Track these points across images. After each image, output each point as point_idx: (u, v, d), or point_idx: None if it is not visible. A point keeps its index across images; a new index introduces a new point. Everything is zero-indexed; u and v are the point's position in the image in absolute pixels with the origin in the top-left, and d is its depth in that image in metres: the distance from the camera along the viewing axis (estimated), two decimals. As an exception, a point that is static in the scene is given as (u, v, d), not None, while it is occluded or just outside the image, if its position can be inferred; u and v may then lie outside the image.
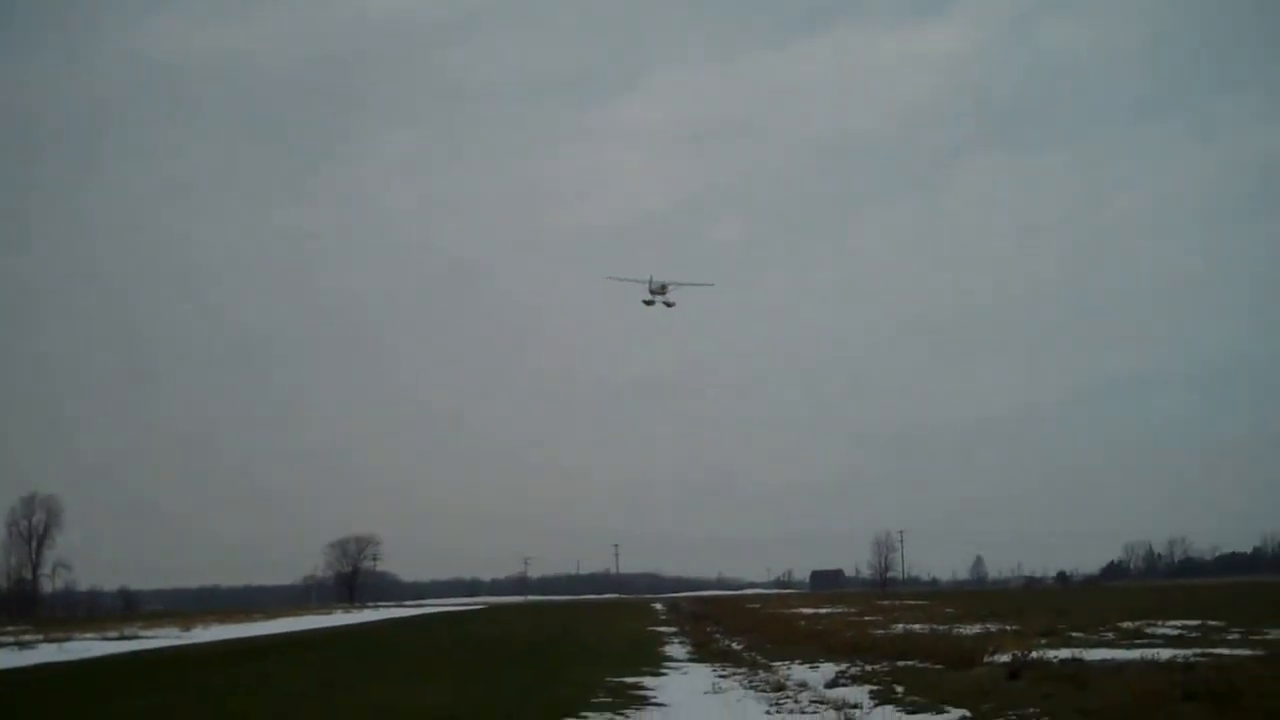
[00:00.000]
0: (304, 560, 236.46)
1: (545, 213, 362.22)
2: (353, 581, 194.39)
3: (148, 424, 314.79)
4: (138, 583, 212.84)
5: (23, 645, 63.90)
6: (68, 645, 62.86)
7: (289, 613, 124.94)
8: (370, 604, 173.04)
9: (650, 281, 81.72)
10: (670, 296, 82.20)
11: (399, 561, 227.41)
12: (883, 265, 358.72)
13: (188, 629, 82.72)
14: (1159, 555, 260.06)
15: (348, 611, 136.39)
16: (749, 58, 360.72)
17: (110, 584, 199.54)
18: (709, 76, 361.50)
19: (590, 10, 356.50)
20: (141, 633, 77.98)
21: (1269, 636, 39.85)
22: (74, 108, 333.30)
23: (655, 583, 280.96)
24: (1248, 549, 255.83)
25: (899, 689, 27.80)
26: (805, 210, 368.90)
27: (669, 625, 74.05)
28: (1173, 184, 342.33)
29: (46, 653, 57.00)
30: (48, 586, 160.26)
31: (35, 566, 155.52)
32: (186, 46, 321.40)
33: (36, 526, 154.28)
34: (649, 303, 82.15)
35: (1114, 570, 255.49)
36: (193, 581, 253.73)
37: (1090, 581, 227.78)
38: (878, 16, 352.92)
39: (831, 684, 30.28)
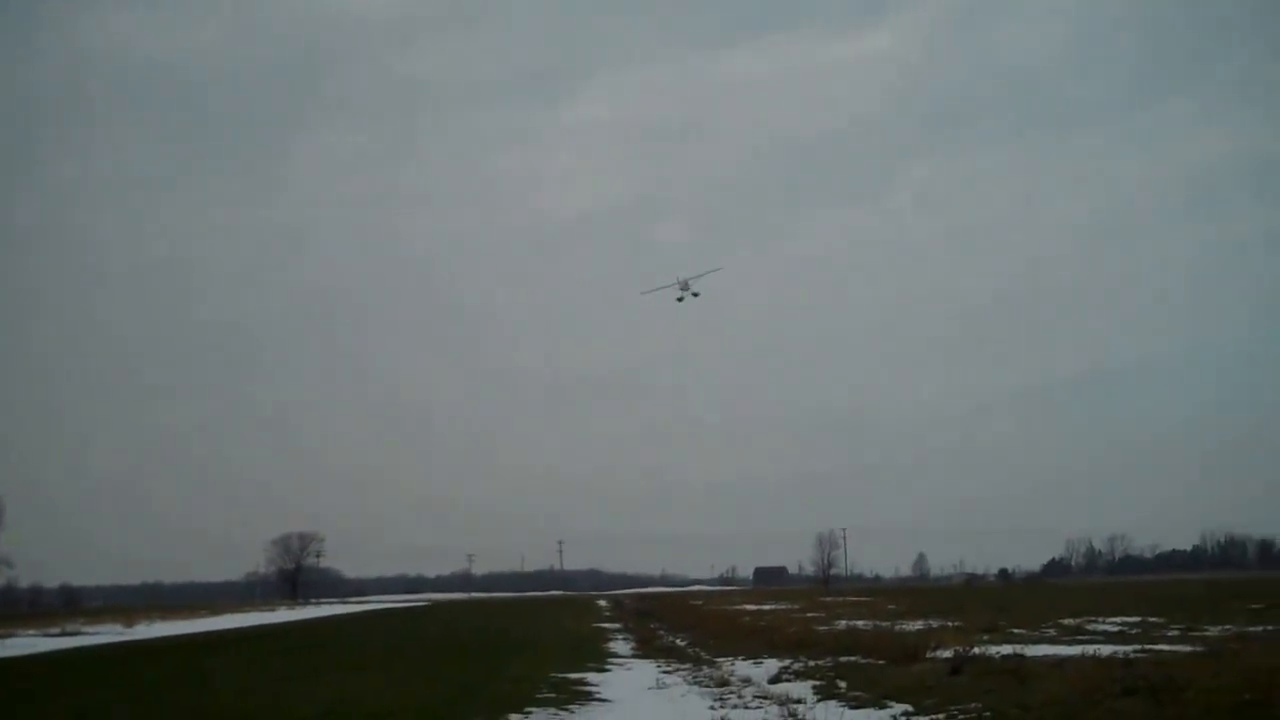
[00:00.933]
0: (247, 557, 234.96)
1: (494, 211, 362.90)
2: (296, 578, 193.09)
3: (90, 421, 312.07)
4: (80, 579, 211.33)
5: (-38, 642, 63.25)
6: (9, 642, 62.25)
7: (232, 609, 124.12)
8: (314, 601, 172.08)
9: (679, 283, 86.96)
10: (696, 287, 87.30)
11: (343, 558, 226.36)
12: (827, 265, 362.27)
13: (130, 625, 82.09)
14: (1100, 552, 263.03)
15: (291, 608, 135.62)
16: (696, 59, 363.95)
17: (52, 581, 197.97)
18: (656, 77, 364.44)
19: (539, 10, 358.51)
20: (84, 629, 77.31)
21: (1208, 633, 40.40)
22: (14, 105, 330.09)
23: (599, 579, 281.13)
24: (1187, 546, 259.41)
25: (842, 684, 28.00)
26: (750, 210, 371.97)
27: (613, 622, 74.13)
28: (1111, 187, 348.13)
29: (-14, 649, 56.43)
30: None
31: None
32: (133, 43, 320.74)
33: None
34: (680, 299, 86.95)
35: (1055, 567, 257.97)
36: (135, 578, 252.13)
37: (1032, 578, 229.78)
38: (824, 21, 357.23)
39: (775, 679, 30.43)
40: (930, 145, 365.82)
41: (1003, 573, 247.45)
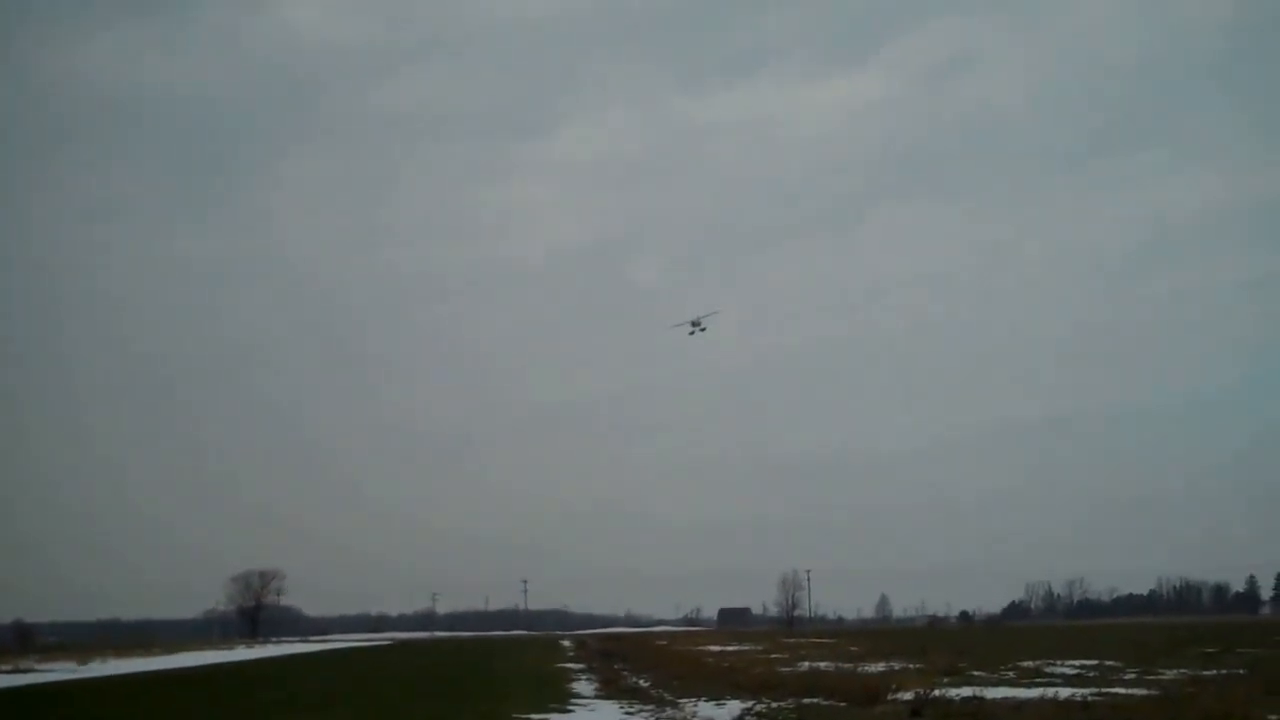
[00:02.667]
0: (206, 594, 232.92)
1: (468, 244, 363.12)
2: (256, 616, 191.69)
3: (45, 454, 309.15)
4: (34, 615, 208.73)
5: (-87, 678, 62.53)
6: (-39, 679, 61.59)
7: (189, 647, 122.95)
8: (274, 639, 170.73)
9: (693, 322, 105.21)
10: (704, 323, 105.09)
11: (303, 596, 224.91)
12: (792, 307, 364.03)
13: (85, 662, 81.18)
14: (1059, 596, 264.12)
15: (250, 646, 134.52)
16: (670, 101, 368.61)
17: (5, 616, 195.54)
18: (631, 118, 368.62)
19: (516, 49, 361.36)
20: (37, 666, 76.56)
21: (1163, 677, 40.75)
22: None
23: (564, 619, 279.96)
24: (1144, 591, 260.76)
25: (804, 726, 28.08)
26: (719, 251, 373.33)
27: (576, 662, 73.84)
28: (1074, 235, 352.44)
29: (-62, 686, 55.79)
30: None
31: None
32: (114, 75, 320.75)
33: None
34: (692, 333, 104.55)
35: (1015, 610, 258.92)
36: (92, 614, 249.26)
37: (992, 621, 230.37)
38: (798, 67, 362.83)
39: (737, 720, 30.48)
40: (901, 188, 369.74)
41: (964, 615, 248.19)
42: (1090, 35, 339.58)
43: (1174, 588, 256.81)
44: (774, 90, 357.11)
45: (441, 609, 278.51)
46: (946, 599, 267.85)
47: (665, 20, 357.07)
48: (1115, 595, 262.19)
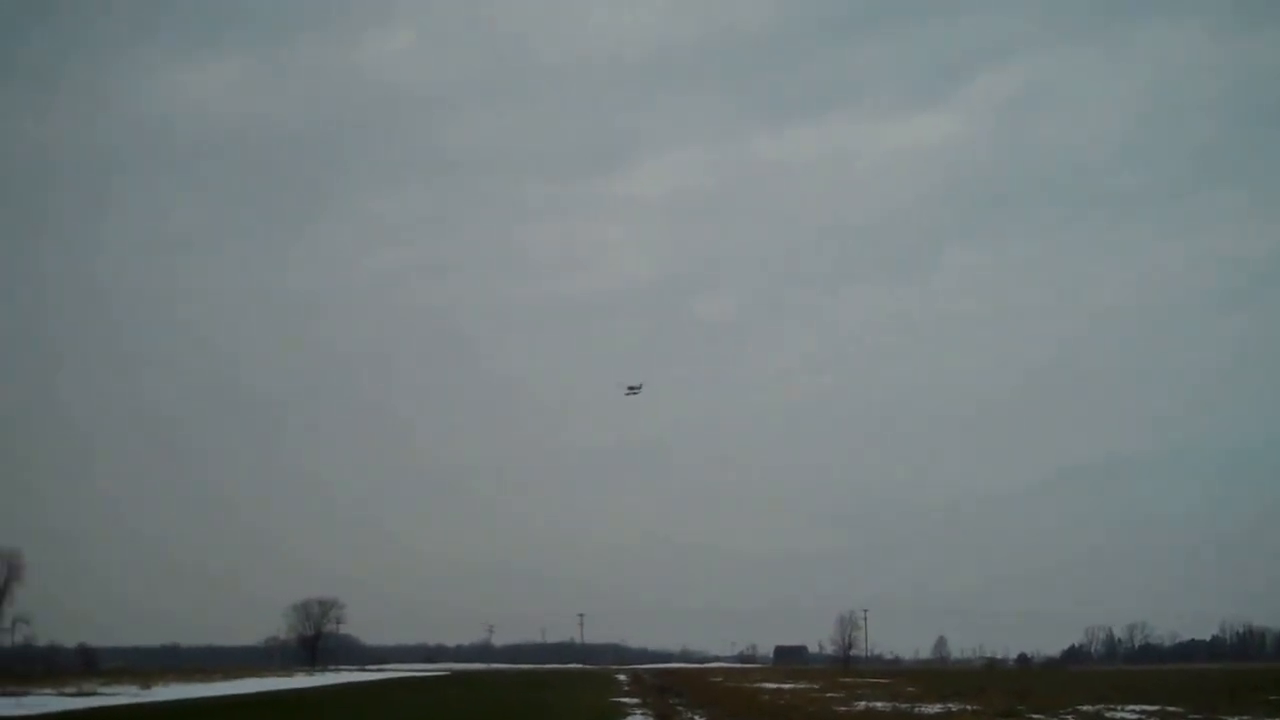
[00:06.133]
0: (267, 621, 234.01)
1: (531, 282, 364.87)
2: (315, 644, 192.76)
3: (113, 480, 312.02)
4: (98, 639, 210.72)
5: (-20, 699, 63.43)
6: (25, 701, 62.48)
7: (249, 673, 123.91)
8: (332, 667, 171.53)
9: (630, 386, 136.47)
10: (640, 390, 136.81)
11: (361, 625, 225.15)
12: (861, 346, 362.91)
13: (147, 687, 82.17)
14: (1119, 640, 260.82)
15: (309, 674, 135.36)
16: (744, 138, 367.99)
17: (70, 640, 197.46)
18: (704, 154, 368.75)
19: (590, 86, 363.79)
20: (100, 690, 77.47)
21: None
22: (76, 165, 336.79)
23: (620, 653, 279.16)
24: (1206, 636, 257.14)
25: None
26: (790, 290, 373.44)
27: (632, 696, 73.88)
28: (1146, 275, 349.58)
29: (3, 707, 56.69)
30: (6, 641, 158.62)
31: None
32: (184, 108, 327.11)
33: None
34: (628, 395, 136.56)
35: (1075, 654, 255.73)
36: (154, 640, 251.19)
37: (1051, 664, 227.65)
38: (874, 106, 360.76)
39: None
40: (975, 227, 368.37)
41: (1022, 657, 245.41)
42: (1170, 77, 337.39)
43: (1237, 633, 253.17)
44: (849, 127, 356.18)
45: (498, 641, 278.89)
46: (1005, 641, 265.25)
47: (741, 57, 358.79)
48: (1177, 640, 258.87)
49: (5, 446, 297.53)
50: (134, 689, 79.33)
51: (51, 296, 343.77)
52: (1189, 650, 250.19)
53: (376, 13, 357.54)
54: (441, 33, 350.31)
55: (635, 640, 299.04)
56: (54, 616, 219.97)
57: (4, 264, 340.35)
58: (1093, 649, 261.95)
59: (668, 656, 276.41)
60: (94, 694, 72.33)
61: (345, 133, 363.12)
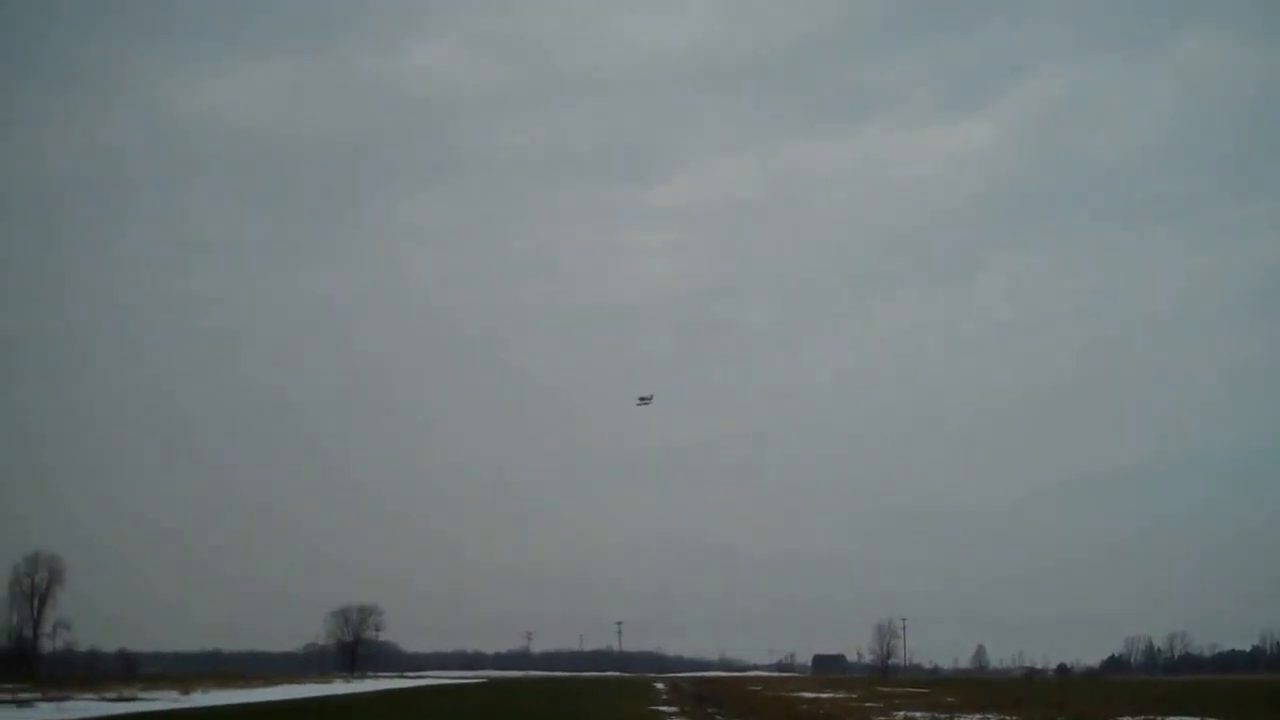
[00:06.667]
0: (306, 627, 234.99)
1: (565, 288, 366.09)
2: (354, 650, 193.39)
3: (153, 487, 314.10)
4: (138, 644, 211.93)
5: (21, 704, 64.03)
6: (66, 705, 63.06)
7: (289, 680, 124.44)
8: (371, 674, 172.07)
9: (641, 397, 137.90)
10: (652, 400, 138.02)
11: (400, 632, 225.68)
12: (899, 352, 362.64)
13: (187, 693, 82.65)
14: (1159, 650, 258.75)
15: (347, 681, 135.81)
16: (784, 146, 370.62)
17: (110, 645, 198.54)
18: (741, 164, 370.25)
19: (629, 96, 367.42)
20: (140, 695, 78.03)
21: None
22: (96, 167, 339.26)
23: (657, 661, 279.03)
24: (1247, 647, 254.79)
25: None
26: (826, 298, 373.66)
27: (670, 705, 73.89)
28: (1183, 283, 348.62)
29: (44, 712, 57.30)
30: (48, 646, 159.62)
31: (36, 625, 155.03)
32: (218, 109, 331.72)
33: (39, 585, 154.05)
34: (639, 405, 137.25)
35: (1114, 664, 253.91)
36: (193, 645, 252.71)
37: (1090, 674, 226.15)
38: (912, 113, 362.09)
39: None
40: (1013, 234, 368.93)
41: (1061, 668, 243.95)
42: (1204, 85, 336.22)
43: (1277, 644, 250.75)
44: (886, 135, 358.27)
45: (536, 648, 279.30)
46: (1044, 651, 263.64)
47: (779, 66, 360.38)
48: (1217, 650, 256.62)
49: (48, 454, 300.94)
50: (174, 694, 79.84)
51: (94, 307, 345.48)
52: (1229, 660, 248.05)
53: (414, 22, 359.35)
54: (478, 42, 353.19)
55: (673, 648, 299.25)
56: (95, 622, 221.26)
57: (57, 272, 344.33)
58: (1132, 659, 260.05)
59: (706, 665, 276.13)
60: (134, 699, 72.92)
61: (382, 139, 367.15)
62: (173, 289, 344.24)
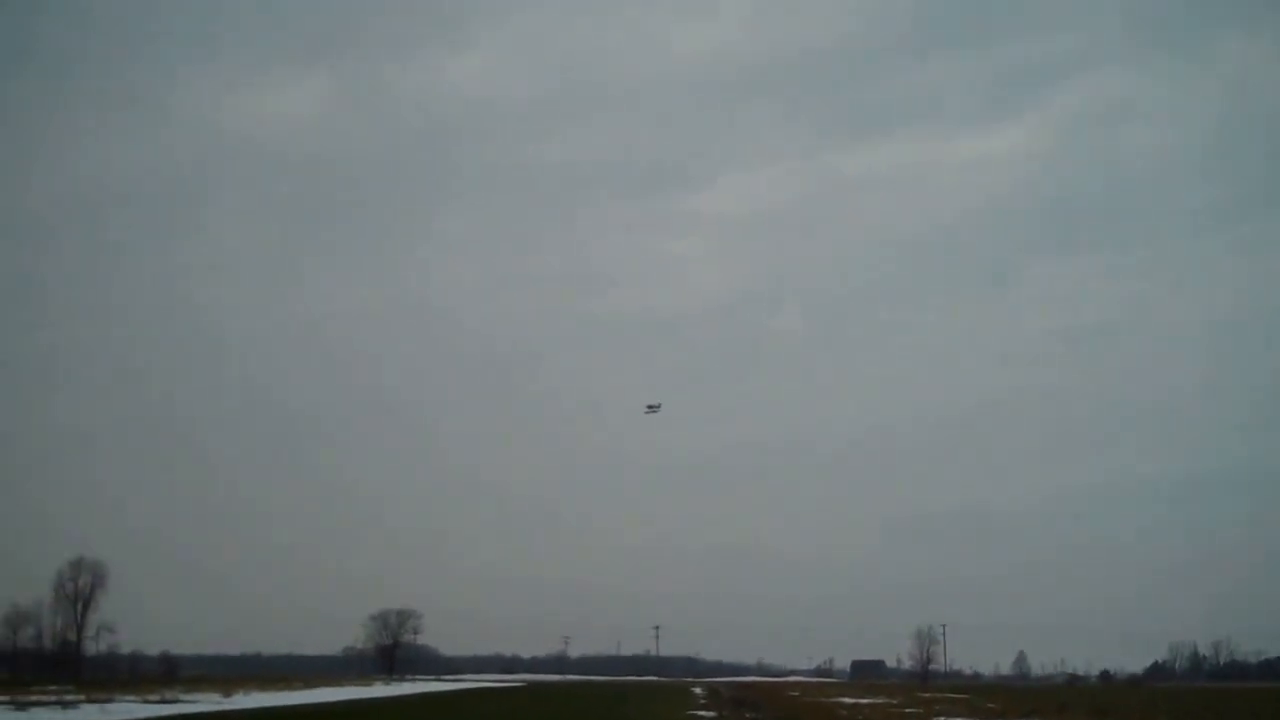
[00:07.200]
0: (345, 631, 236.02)
1: (602, 298, 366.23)
2: (393, 654, 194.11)
3: (194, 492, 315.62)
4: (180, 647, 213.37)
5: (65, 706, 64.61)
6: (110, 707, 63.55)
7: (328, 683, 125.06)
8: (409, 677, 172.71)
9: (649, 405, 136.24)
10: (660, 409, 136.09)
11: (438, 635, 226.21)
12: (937, 357, 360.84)
13: (229, 695, 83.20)
14: (1204, 657, 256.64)
15: (387, 684, 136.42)
16: (820, 155, 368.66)
17: (152, 648, 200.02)
18: (779, 171, 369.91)
19: (669, 104, 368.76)
20: (182, 697, 78.60)
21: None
22: (134, 180, 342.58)
23: (695, 666, 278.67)
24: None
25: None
26: (864, 303, 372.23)
27: (708, 709, 73.76)
28: (1225, 292, 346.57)
29: (88, 714, 57.74)
30: (91, 649, 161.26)
31: (80, 629, 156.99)
32: (256, 121, 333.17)
33: (82, 589, 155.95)
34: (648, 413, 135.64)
35: (1158, 671, 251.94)
36: (235, 648, 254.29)
37: (1134, 681, 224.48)
38: (949, 120, 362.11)
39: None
40: (1050, 242, 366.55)
41: (1104, 674, 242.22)
42: (1246, 90, 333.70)
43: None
44: (924, 143, 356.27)
45: (574, 652, 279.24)
46: (1087, 657, 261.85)
47: (816, 74, 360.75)
48: (1263, 658, 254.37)
49: (93, 457, 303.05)
50: (216, 697, 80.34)
51: (141, 320, 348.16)
52: (1276, 668, 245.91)
53: (452, 32, 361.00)
54: (518, 52, 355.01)
55: (710, 653, 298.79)
56: (137, 624, 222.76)
57: (105, 283, 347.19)
58: (1177, 666, 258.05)
59: (743, 670, 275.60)
60: (176, 701, 73.43)
61: (421, 150, 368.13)
62: (219, 300, 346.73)
